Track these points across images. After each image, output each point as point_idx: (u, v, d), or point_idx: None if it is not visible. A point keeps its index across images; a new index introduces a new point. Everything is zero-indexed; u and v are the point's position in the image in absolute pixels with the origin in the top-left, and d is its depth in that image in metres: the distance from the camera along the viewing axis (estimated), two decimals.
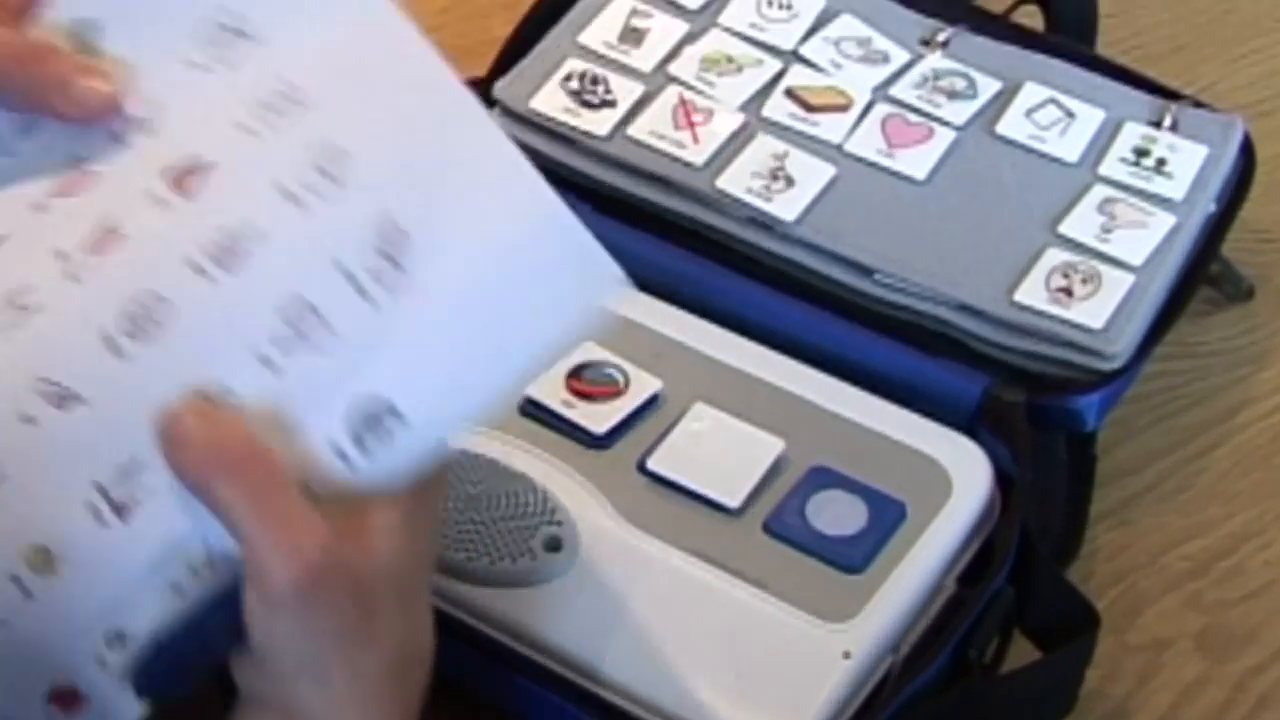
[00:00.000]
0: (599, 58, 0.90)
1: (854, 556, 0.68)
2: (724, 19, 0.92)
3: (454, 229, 0.56)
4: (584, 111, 0.87)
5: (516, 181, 0.57)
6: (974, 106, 0.87)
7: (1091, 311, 0.78)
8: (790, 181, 0.84)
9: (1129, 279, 0.80)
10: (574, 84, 0.88)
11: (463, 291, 0.56)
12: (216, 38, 0.62)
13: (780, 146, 0.85)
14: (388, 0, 0.60)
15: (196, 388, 0.56)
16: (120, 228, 0.59)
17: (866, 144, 0.86)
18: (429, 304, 0.55)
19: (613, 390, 0.75)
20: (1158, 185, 0.84)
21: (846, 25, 0.91)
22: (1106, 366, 0.78)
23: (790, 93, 0.88)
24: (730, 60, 0.90)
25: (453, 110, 0.58)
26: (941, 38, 0.91)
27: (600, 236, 0.83)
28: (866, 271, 0.81)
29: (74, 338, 0.58)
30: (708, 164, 0.85)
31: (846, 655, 0.66)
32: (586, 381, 0.75)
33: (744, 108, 0.87)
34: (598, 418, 0.74)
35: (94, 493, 0.56)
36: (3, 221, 0.62)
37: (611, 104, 0.87)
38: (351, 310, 0.55)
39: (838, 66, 0.89)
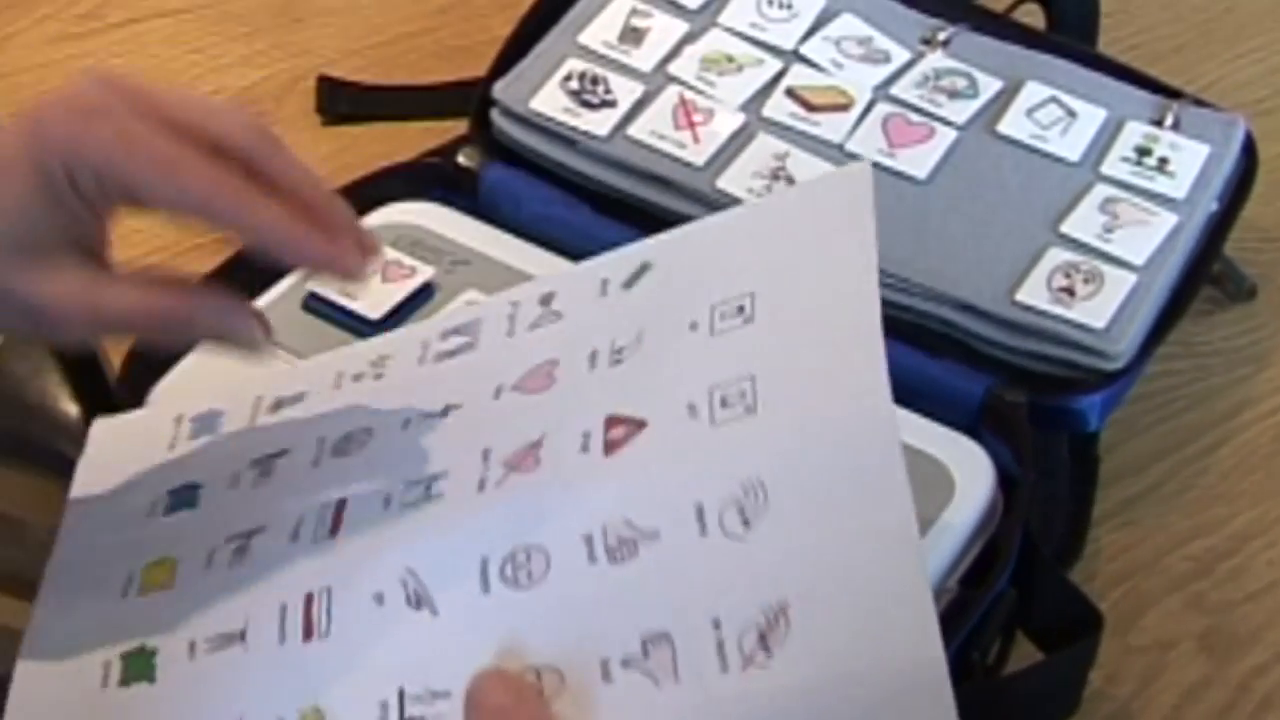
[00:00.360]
0: (599, 58, 0.89)
1: None
2: (724, 19, 0.91)
3: (833, 643, 0.54)
4: (584, 112, 0.87)
5: (917, 636, 0.54)
6: (975, 106, 0.87)
7: (1094, 311, 0.78)
8: (791, 181, 0.83)
9: (1131, 278, 0.80)
10: (574, 84, 0.88)
11: (808, 708, 0.54)
12: (727, 311, 0.63)
13: (781, 146, 0.85)
14: (886, 395, 0.58)
15: (527, 656, 0.56)
16: (541, 453, 0.61)
17: (867, 143, 0.85)
18: (773, 698, 0.54)
19: None
20: (1160, 184, 0.84)
21: (847, 25, 0.91)
22: (1109, 366, 0.78)
23: (791, 92, 0.88)
24: (730, 60, 0.90)
25: (887, 529, 0.55)
26: (942, 37, 0.91)
27: (600, 238, 0.83)
28: None
29: (454, 550, 0.59)
30: (708, 164, 0.84)
31: None
32: None
33: (744, 107, 0.87)
34: None
35: (395, 694, 0.57)
36: (463, 393, 0.65)
37: (611, 104, 0.87)
38: (704, 669, 0.54)
39: (838, 66, 0.89)
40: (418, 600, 0.58)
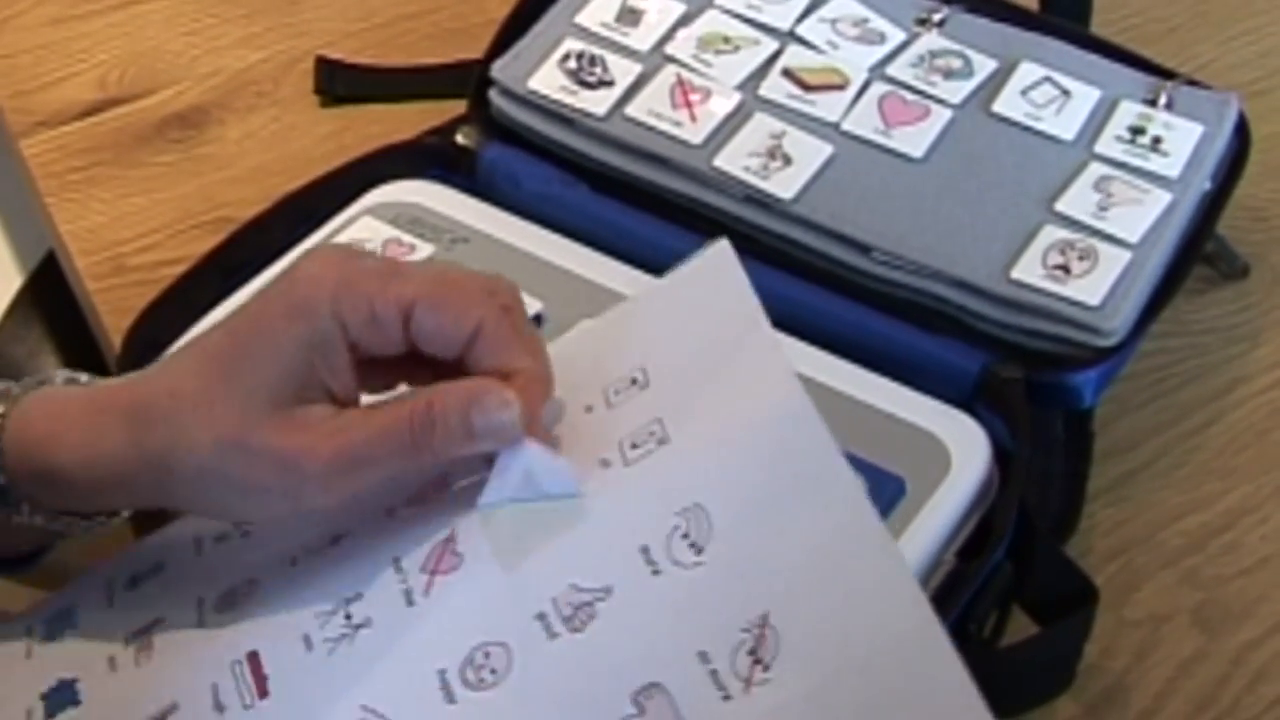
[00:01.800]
0: (596, 38, 0.90)
1: None
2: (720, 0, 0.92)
3: (825, 636, 0.53)
4: (582, 91, 0.87)
5: (902, 603, 0.52)
6: (970, 85, 0.88)
7: (1088, 288, 0.79)
8: (788, 160, 0.84)
9: (1125, 256, 0.80)
10: (571, 64, 0.88)
11: (827, 704, 0.52)
12: (620, 387, 0.61)
13: (777, 125, 0.85)
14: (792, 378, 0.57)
15: None
16: (458, 548, 0.58)
17: (864, 122, 0.86)
18: (788, 707, 0.52)
19: None
20: (1153, 163, 0.84)
21: (842, 5, 0.92)
22: (1103, 343, 0.78)
23: (787, 72, 0.88)
24: (727, 40, 0.90)
25: (839, 507, 0.54)
26: (937, 17, 0.91)
27: (598, 217, 0.84)
28: (864, 249, 0.81)
29: (407, 674, 0.56)
30: (705, 143, 0.85)
31: None
32: None
33: (741, 87, 0.88)
34: None
35: None
36: (351, 522, 0.61)
37: (609, 84, 0.87)
38: (707, 705, 0.52)
39: (834, 46, 0.90)
40: None
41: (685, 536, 0.56)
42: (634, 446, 0.59)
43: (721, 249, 0.62)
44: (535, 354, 0.60)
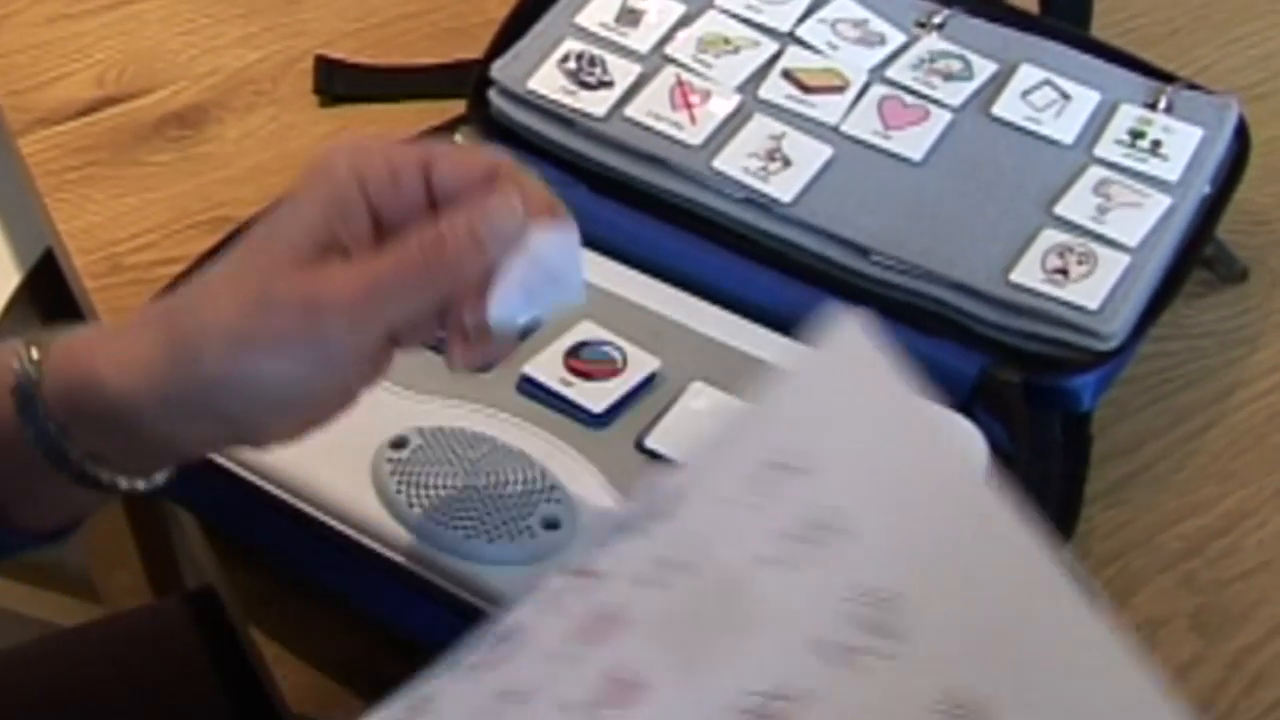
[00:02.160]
0: (596, 39, 0.90)
1: None
2: (720, 1, 0.92)
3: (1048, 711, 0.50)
4: (581, 92, 0.87)
5: (1126, 673, 0.50)
6: (970, 88, 0.88)
7: (1087, 292, 0.79)
8: (787, 162, 0.84)
9: (1124, 259, 0.80)
10: (571, 65, 0.88)
11: None
12: (763, 475, 0.57)
13: (777, 127, 0.85)
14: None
15: None
16: (639, 677, 0.53)
17: (863, 125, 0.86)
18: None
19: (611, 369, 0.75)
20: (1153, 167, 0.84)
21: (843, 7, 0.92)
22: (1102, 346, 0.78)
23: (787, 74, 0.88)
24: (727, 42, 0.90)
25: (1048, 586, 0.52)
26: (937, 20, 0.91)
27: (597, 217, 0.83)
28: (863, 252, 0.81)
29: None
30: (705, 145, 0.85)
31: None
32: (585, 360, 0.75)
33: (741, 89, 0.87)
34: (596, 396, 0.74)
35: None
36: (516, 678, 0.56)
37: (609, 85, 0.87)
38: None
39: (834, 48, 0.90)
40: None
41: (875, 627, 0.52)
42: (800, 540, 0.55)
43: (850, 324, 0.59)
44: (547, 193, 0.61)
